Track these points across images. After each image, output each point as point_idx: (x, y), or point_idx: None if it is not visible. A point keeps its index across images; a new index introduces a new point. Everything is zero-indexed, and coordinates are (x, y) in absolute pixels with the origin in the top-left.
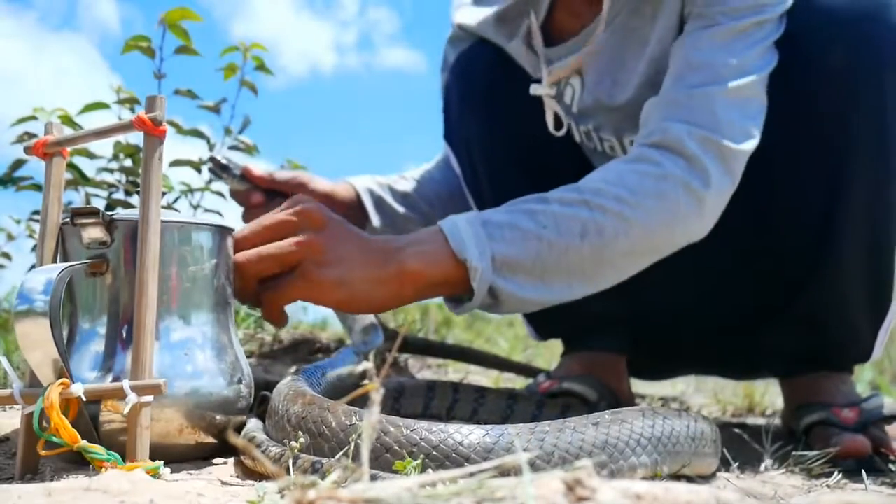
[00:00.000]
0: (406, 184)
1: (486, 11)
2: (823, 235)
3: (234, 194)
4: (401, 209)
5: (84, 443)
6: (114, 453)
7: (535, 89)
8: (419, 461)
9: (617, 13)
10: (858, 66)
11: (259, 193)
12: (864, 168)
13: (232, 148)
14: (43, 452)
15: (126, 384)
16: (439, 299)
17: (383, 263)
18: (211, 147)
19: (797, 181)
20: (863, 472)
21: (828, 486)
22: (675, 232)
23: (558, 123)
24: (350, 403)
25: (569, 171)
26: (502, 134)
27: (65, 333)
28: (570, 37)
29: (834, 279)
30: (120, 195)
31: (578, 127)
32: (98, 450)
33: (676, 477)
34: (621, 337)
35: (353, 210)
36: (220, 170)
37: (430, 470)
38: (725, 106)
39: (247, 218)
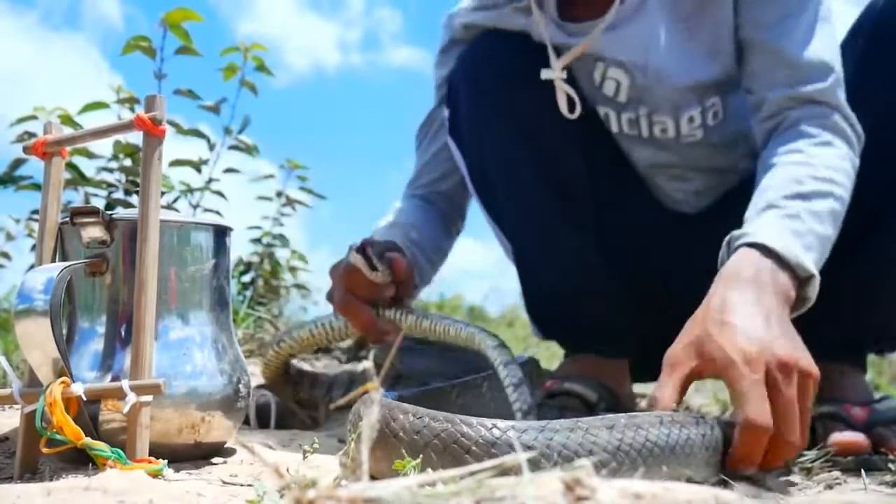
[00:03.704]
0: (400, 230)
1: (498, 10)
2: (871, 218)
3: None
4: (424, 262)
5: (88, 440)
6: (117, 450)
7: (545, 73)
8: (418, 461)
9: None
10: None
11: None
12: None
13: (232, 148)
14: (45, 450)
15: (125, 384)
16: (436, 297)
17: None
18: (211, 147)
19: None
20: (861, 471)
21: (828, 485)
22: None
23: (571, 106)
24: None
25: (587, 163)
26: (519, 125)
27: (64, 332)
28: (588, 18)
29: (880, 259)
30: (119, 195)
31: (622, 116)
32: (102, 447)
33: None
34: (624, 342)
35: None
36: (364, 258)
37: (429, 469)
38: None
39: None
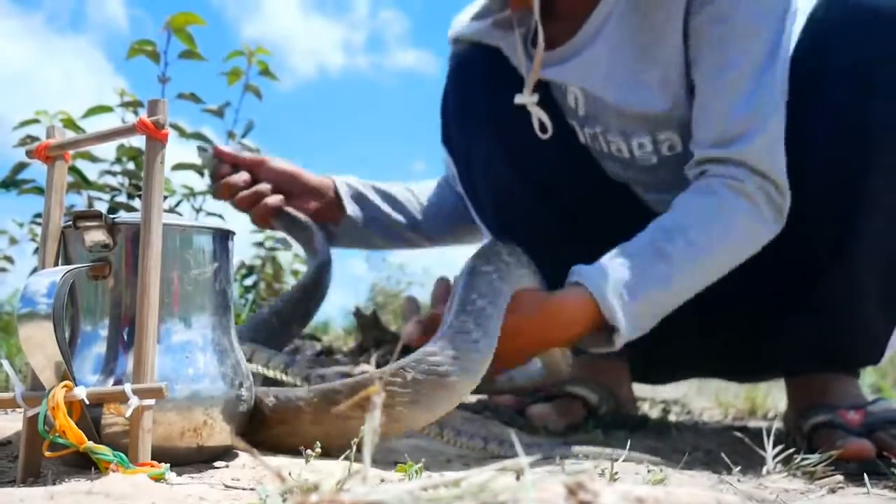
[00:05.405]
0: (395, 188)
1: (484, 22)
2: (845, 228)
3: (212, 175)
4: (385, 208)
5: (90, 444)
6: (119, 453)
7: (518, 98)
8: (420, 464)
9: (607, 18)
10: (875, 59)
11: (226, 167)
12: (890, 159)
13: None
14: (48, 454)
15: (128, 387)
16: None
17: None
18: None
19: (819, 172)
20: (864, 475)
21: (830, 489)
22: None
23: (543, 128)
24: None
25: (566, 172)
26: (499, 134)
27: (67, 336)
28: (561, 44)
29: (853, 272)
30: (122, 198)
31: (584, 130)
32: (104, 451)
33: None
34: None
35: (323, 198)
36: (200, 150)
37: (430, 473)
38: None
39: (217, 189)
